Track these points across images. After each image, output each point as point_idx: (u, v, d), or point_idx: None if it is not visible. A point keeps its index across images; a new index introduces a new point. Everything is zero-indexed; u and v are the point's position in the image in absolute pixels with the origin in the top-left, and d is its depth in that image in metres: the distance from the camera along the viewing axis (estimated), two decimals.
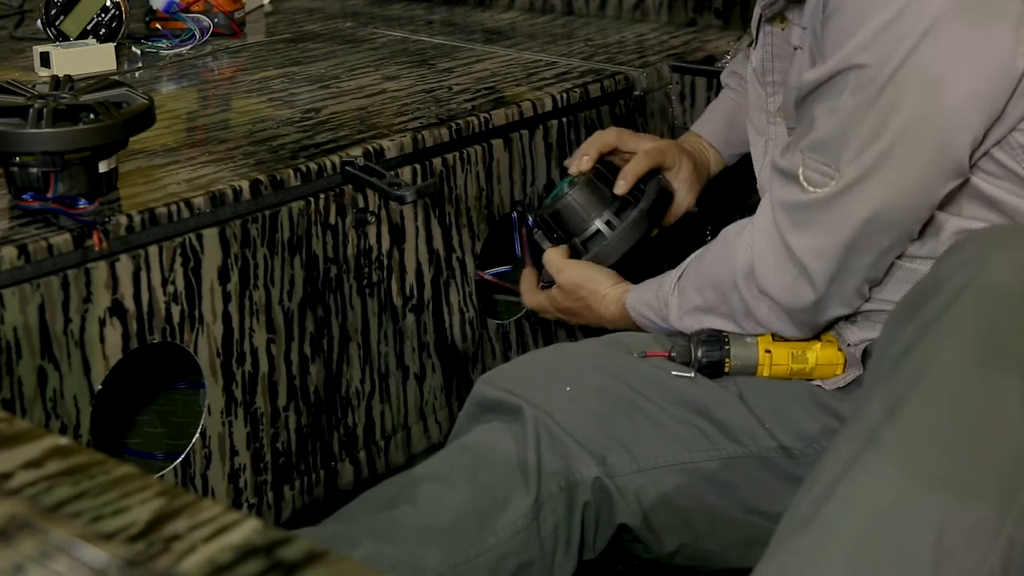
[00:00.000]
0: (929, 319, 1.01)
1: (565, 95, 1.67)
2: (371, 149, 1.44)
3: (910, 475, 0.95)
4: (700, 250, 1.38)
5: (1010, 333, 0.99)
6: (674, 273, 1.37)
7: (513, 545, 1.24)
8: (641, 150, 1.53)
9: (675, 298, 1.36)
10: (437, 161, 1.51)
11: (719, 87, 1.66)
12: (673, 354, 1.34)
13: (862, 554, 0.94)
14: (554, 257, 1.49)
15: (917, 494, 0.95)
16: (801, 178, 1.20)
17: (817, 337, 1.31)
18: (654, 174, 1.53)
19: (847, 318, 1.29)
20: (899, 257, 1.24)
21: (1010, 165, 1.18)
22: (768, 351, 1.31)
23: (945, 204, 1.21)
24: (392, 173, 1.42)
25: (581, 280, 1.46)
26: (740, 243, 1.28)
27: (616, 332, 1.43)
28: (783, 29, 1.34)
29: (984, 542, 0.94)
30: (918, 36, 1.10)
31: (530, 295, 1.55)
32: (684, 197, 1.56)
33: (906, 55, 1.11)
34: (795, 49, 1.30)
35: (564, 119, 1.67)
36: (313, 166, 1.38)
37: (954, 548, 0.93)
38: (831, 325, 1.31)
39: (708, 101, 1.76)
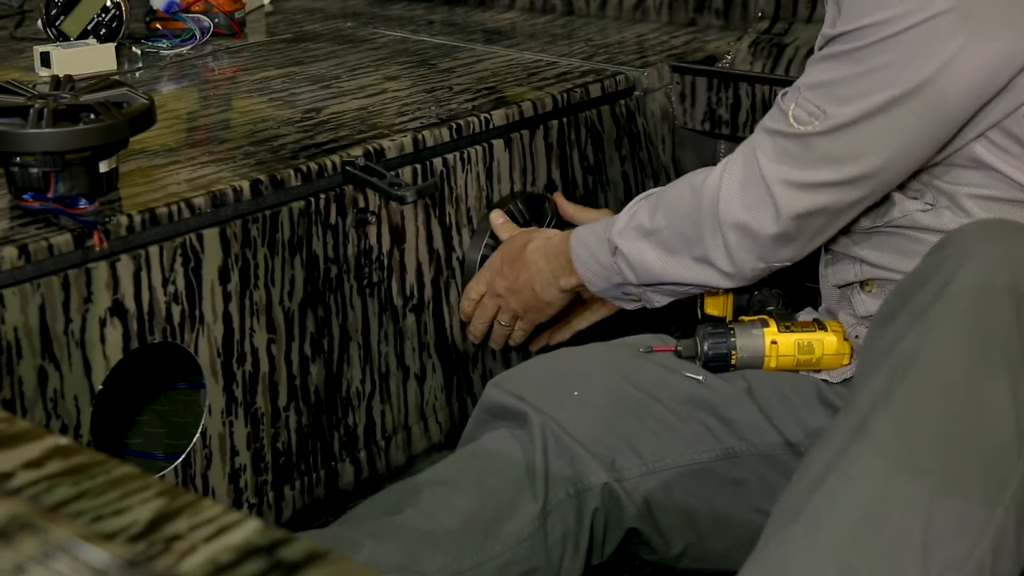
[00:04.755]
0: (917, 313, 1.02)
1: (565, 95, 1.67)
2: (371, 149, 1.44)
3: (898, 466, 0.96)
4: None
5: (996, 326, 1.00)
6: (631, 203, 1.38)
7: (519, 553, 1.23)
8: None
9: (625, 215, 1.35)
10: (437, 161, 1.51)
11: (719, 87, 1.66)
12: (679, 348, 1.33)
13: (851, 545, 0.95)
14: (509, 226, 1.54)
15: (905, 485, 0.96)
16: (790, 114, 1.21)
17: (823, 327, 1.31)
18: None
19: (860, 286, 1.29)
20: (906, 228, 1.24)
21: (1020, 137, 1.18)
22: (774, 342, 1.31)
23: (945, 176, 1.21)
24: (392, 173, 1.42)
25: (526, 231, 1.51)
26: (711, 174, 1.27)
27: (623, 338, 1.42)
28: None
29: (973, 531, 0.95)
30: (937, 7, 1.11)
31: (468, 291, 1.54)
32: None
33: (919, 21, 1.12)
34: None
35: (564, 119, 1.67)
36: (313, 166, 1.38)
37: (943, 538, 0.94)
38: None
39: (708, 101, 1.76)
